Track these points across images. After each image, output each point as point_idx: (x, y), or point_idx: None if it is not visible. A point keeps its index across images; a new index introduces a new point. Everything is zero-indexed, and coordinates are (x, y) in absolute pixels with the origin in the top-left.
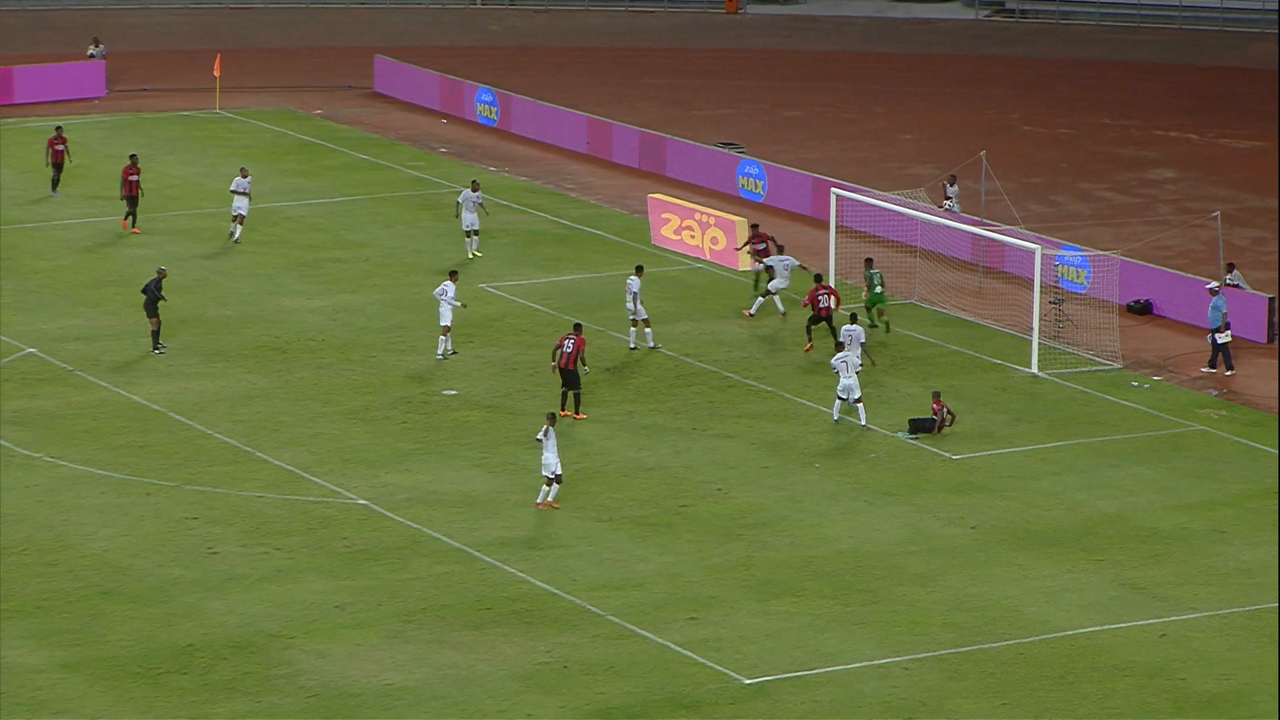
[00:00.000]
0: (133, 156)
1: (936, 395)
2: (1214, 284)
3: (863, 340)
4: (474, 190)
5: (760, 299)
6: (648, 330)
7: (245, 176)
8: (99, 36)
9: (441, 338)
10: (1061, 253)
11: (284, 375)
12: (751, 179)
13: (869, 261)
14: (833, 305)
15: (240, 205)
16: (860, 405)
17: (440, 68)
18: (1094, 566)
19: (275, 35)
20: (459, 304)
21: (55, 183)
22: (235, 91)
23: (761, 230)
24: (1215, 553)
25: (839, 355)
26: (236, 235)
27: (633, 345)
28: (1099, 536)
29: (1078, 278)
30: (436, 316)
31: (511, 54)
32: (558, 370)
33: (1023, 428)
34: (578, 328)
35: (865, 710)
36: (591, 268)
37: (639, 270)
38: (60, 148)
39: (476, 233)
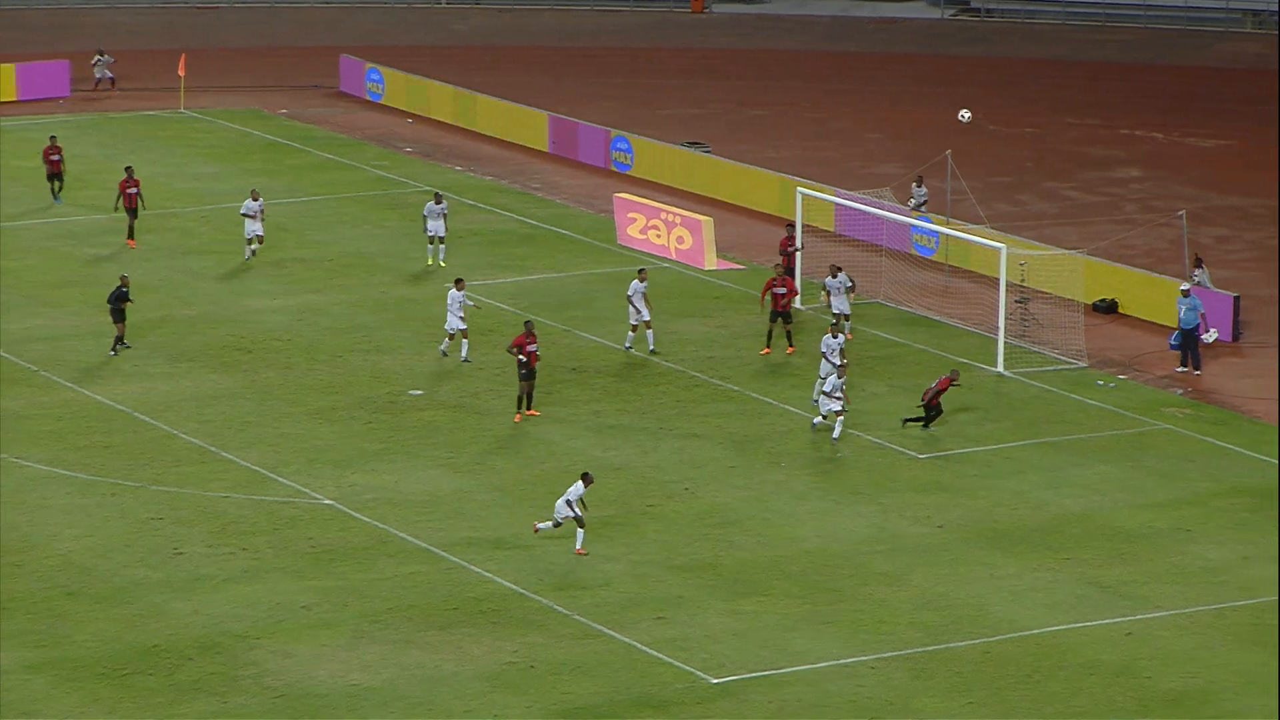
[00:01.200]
0: (128, 169)
1: (954, 376)
2: (1186, 285)
3: (842, 347)
4: (437, 202)
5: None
6: (649, 332)
7: (256, 199)
8: (104, 48)
9: (448, 340)
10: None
11: (249, 375)
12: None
13: (836, 268)
14: (787, 297)
15: (253, 228)
16: (840, 420)
17: (405, 67)
18: (1060, 565)
19: (240, 35)
20: (472, 304)
21: (56, 191)
22: (200, 91)
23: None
24: (1181, 551)
25: (829, 341)
26: (248, 255)
27: (628, 346)
28: (1065, 535)
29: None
30: (403, 317)
31: (477, 53)
32: (524, 367)
33: (989, 427)
34: (529, 325)
35: (832, 709)
36: (558, 267)
37: (641, 274)
38: (55, 158)
39: (442, 241)
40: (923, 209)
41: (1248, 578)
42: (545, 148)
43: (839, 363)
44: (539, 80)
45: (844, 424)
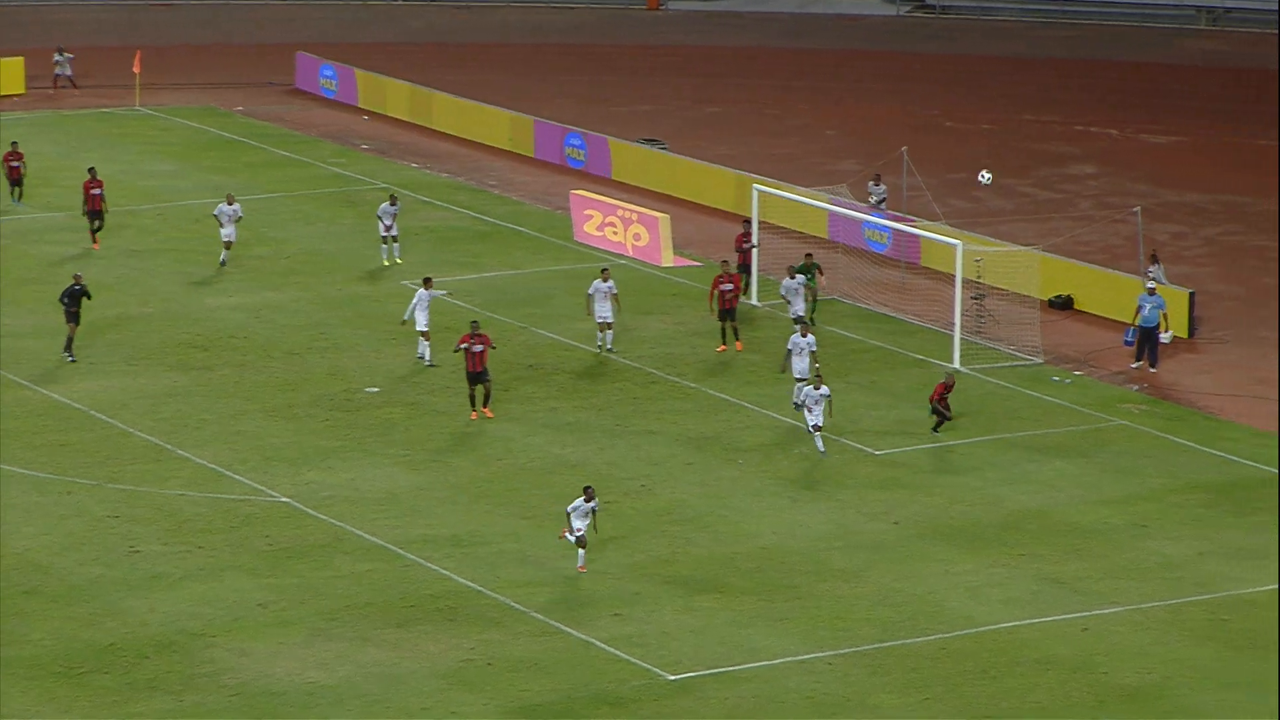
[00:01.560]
0: (91, 170)
1: (949, 379)
2: (1152, 284)
3: (813, 349)
4: (392, 204)
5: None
6: (608, 333)
7: (231, 204)
8: (63, 45)
9: (421, 340)
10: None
11: (205, 373)
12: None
13: (809, 256)
14: (734, 294)
15: (227, 232)
16: (819, 434)
17: (362, 64)
18: (1016, 561)
19: (196, 32)
20: (442, 293)
21: (17, 195)
22: (156, 88)
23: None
24: (1137, 547)
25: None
26: (224, 258)
27: (599, 347)
28: (1021, 532)
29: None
30: (360, 315)
31: (433, 50)
32: (471, 370)
33: (945, 423)
34: (476, 325)
35: (789, 706)
36: (514, 264)
37: (604, 273)
38: (15, 164)
39: (396, 239)
40: (881, 206)
41: (1204, 573)
42: (504, 145)
43: (814, 364)
44: (496, 77)
45: (822, 436)
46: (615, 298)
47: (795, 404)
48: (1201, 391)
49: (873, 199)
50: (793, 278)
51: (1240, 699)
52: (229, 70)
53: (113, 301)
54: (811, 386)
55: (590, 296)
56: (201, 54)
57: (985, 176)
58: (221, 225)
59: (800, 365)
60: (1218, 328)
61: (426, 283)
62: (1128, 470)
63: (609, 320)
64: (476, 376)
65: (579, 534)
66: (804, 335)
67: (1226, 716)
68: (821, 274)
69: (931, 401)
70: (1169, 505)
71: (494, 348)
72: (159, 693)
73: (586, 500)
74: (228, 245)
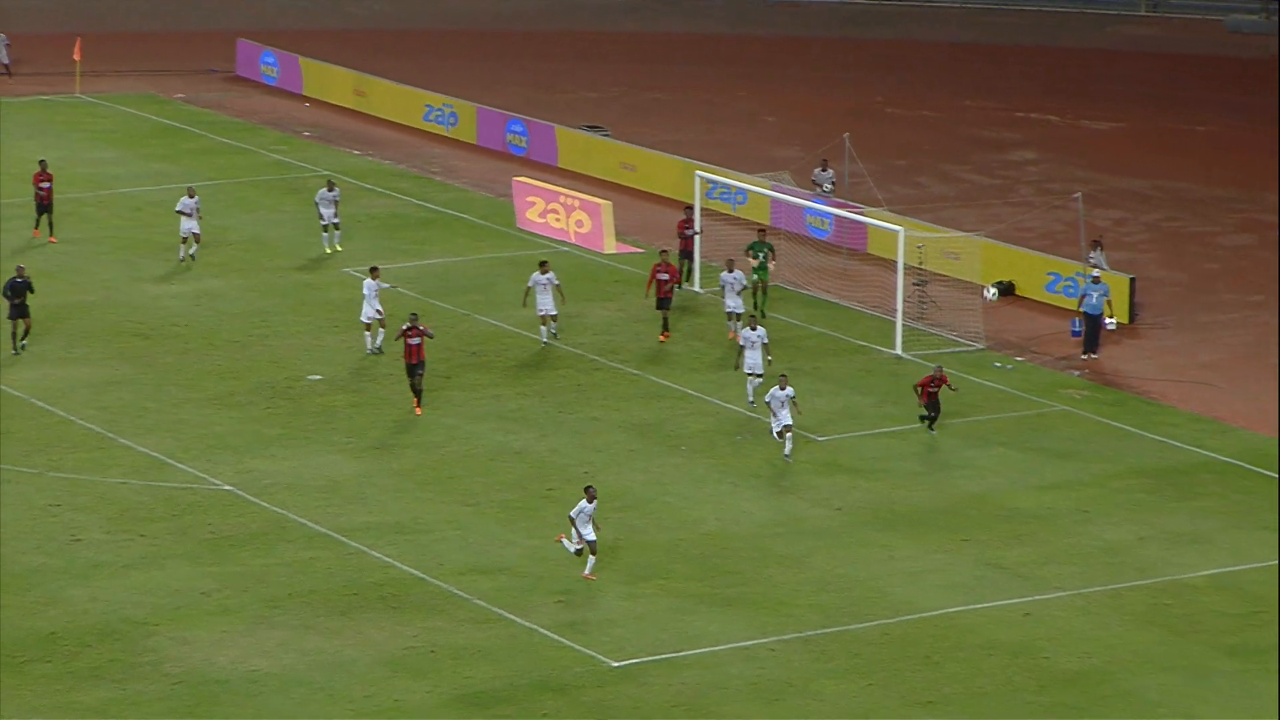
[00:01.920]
0: (41, 162)
1: (938, 372)
2: (1096, 271)
3: (765, 341)
4: (330, 189)
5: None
6: (552, 324)
7: (192, 196)
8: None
9: (366, 334)
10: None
11: (147, 361)
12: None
13: (761, 232)
14: (671, 283)
15: (189, 226)
16: (789, 436)
17: (303, 51)
18: (958, 547)
19: (136, 19)
20: (389, 285)
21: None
22: (96, 76)
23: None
24: (1078, 532)
25: (745, 335)
26: (183, 254)
27: (545, 341)
28: (963, 517)
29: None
30: (302, 302)
31: (376, 37)
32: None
33: (887, 409)
34: (415, 317)
35: (732, 692)
36: (457, 251)
37: (543, 266)
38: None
39: (337, 227)
40: (830, 192)
41: (1144, 558)
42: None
43: (767, 357)
44: (438, 64)
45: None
46: (558, 289)
47: (751, 401)
48: (1142, 377)
49: (826, 186)
50: (731, 271)
51: (1180, 683)
52: (170, 57)
53: (54, 290)
54: (777, 387)
55: (530, 289)
56: (142, 41)
57: (991, 292)
58: (186, 216)
59: (753, 358)
60: (1159, 313)
61: (373, 272)
62: (1069, 455)
63: (552, 313)
64: (413, 369)
65: (588, 542)
66: (754, 329)
67: (1167, 700)
68: (773, 257)
69: (921, 401)
70: (1110, 490)
71: (431, 337)
72: (101, 681)
73: (590, 501)
74: (188, 240)
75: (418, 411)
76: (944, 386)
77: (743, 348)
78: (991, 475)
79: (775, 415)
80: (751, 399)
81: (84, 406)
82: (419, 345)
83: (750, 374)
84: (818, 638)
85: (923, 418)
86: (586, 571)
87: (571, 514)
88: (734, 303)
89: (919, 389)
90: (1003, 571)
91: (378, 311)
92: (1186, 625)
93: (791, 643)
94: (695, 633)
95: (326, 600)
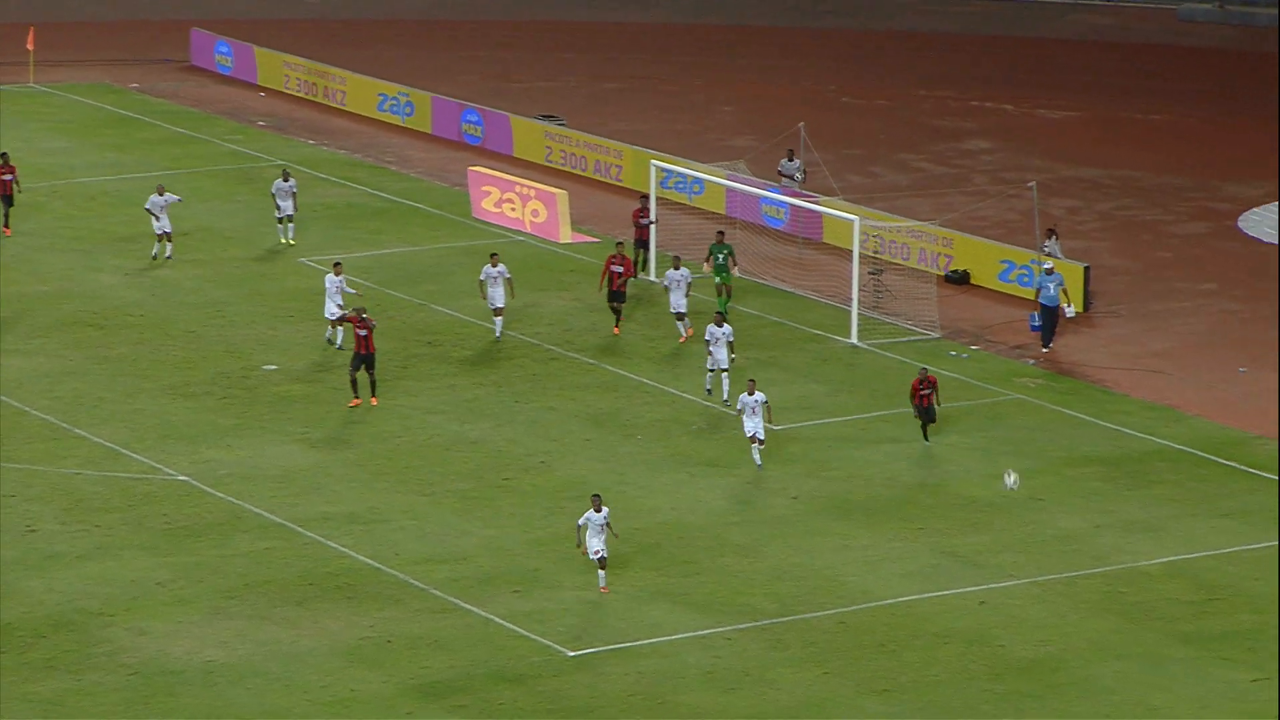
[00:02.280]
0: (3, 155)
1: (924, 377)
2: (1049, 263)
3: (730, 339)
4: (285, 180)
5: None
6: (499, 319)
7: (161, 194)
8: None
9: (331, 328)
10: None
11: (102, 351)
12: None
13: (721, 234)
14: (625, 276)
15: (161, 225)
16: (758, 447)
17: (258, 41)
18: (914, 535)
19: (90, 8)
20: (354, 291)
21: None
22: (50, 66)
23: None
24: (1033, 520)
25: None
26: (155, 252)
27: (499, 336)
28: (918, 505)
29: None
30: (257, 292)
31: (331, 27)
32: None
33: (843, 398)
34: (361, 310)
35: (688, 681)
36: (412, 241)
37: (494, 259)
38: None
39: (291, 219)
40: (801, 182)
41: (1099, 546)
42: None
43: (731, 355)
44: (394, 54)
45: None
46: (509, 282)
47: (709, 390)
48: (1096, 365)
49: (798, 176)
50: (677, 269)
51: (1135, 670)
52: (124, 47)
53: (8, 280)
54: (745, 392)
55: (482, 282)
56: (96, 31)
57: (1011, 479)
58: (155, 218)
59: (719, 355)
60: (1112, 302)
61: (336, 268)
62: (1024, 444)
63: (500, 306)
64: (361, 359)
65: (599, 555)
66: (720, 325)
67: (1122, 687)
68: (735, 262)
69: (913, 404)
70: (1064, 478)
71: (374, 326)
72: (56, 672)
73: (596, 510)
74: (162, 238)
75: (373, 402)
76: (936, 393)
77: (707, 343)
78: (947, 464)
79: (746, 421)
80: (709, 388)
81: (39, 397)
82: (368, 337)
83: (714, 369)
84: (774, 626)
85: (921, 424)
86: (601, 584)
87: (579, 522)
88: (679, 301)
89: (911, 394)
90: (958, 560)
91: (339, 307)
92: (1141, 613)
93: (748, 631)
94: (651, 622)
95: (282, 590)
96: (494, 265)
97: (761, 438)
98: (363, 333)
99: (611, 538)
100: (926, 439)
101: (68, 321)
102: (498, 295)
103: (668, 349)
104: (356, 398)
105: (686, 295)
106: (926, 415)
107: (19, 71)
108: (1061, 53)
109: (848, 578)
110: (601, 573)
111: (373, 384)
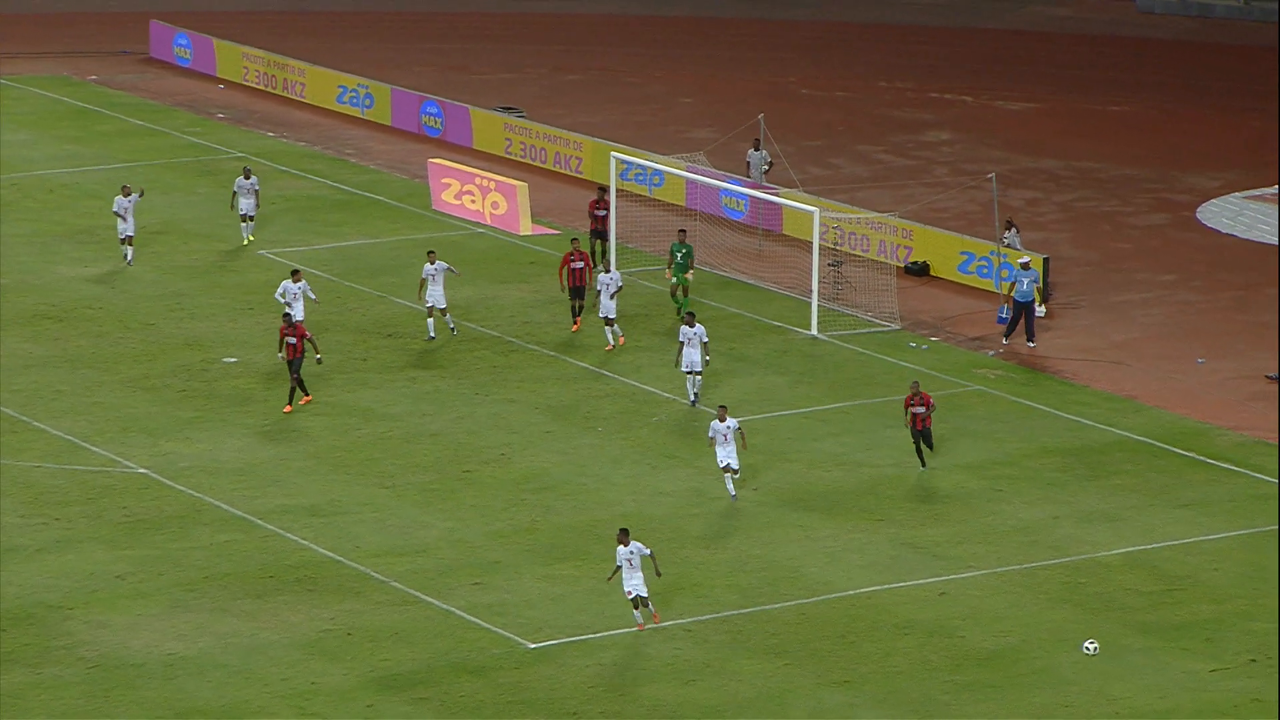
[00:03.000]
0: None
1: (915, 391)
2: (1025, 259)
3: (704, 339)
4: (246, 177)
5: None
6: (446, 316)
7: (127, 195)
8: None
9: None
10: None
11: (61, 344)
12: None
13: (682, 232)
14: (584, 272)
15: (125, 227)
16: (731, 477)
17: (217, 32)
18: (874, 526)
19: (48, 0)
20: (314, 298)
21: None
22: (8, 57)
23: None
24: (992, 511)
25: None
26: (129, 258)
27: (432, 335)
28: (879, 497)
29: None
30: (216, 284)
31: (290, 18)
32: (287, 361)
33: (803, 389)
34: (288, 317)
35: (649, 673)
36: (372, 233)
37: (431, 256)
38: None
39: (252, 219)
40: (768, 172)
41: (1058, 537)
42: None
43: (705, 356)
44: (353, 46)
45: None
46: (448, 271)
47: (691, 401)
48: (1056, 356)
49: (765, 167)
50: (607, 272)
51: (1095, 660)
52: (83, 39)
53: None
54: (716, 419)
55: (424, 281)
56: (55, 22)
57: (1092, 647)
58: (122, 219)
59: (692, 355)
60: (1071, 293)
61: (294, 275)
62: (983, 435)
63: (444, 306)
64: (292, 365)
65: (637, 593)
66: (691, 325)
67: (1081, 678)
68: (693, 262)
69: (906, 424)
70: (1024, 470)
71: (308, 337)
72: (16, 665)
73: (623, 545)
74: (125, 241)
75: (303, 401)
76: (931, 414)
77: (682, 344)
78: (907, 455)
79: (718, 450)
80: (692, 399)
81: None
82: (296, 344)
83: (689, 371)
84: (735, 618)
85: (915, 447)
86: (639, 620)
87: (618, 562)
88: (608, 306)
89: (905, 412)
90: (918, 551)
91: (299, 312)
92: (1100, 603)
93: (709, 623)
94: (612, 614)
95: (243, 583)
96: (432, 263)
97: (735, 468)
98: (292, 340)
99: (652, 576)
100: (924, 464)
101: (26, 314)
102: (438, 294)
103: (630, 341)
104: (289, 405)
105: (613, 298)
106: (921, 438)
107: None
108: (1021, 44)
109: (808, 569)
110: (636, 613)
111: (300, 385)
